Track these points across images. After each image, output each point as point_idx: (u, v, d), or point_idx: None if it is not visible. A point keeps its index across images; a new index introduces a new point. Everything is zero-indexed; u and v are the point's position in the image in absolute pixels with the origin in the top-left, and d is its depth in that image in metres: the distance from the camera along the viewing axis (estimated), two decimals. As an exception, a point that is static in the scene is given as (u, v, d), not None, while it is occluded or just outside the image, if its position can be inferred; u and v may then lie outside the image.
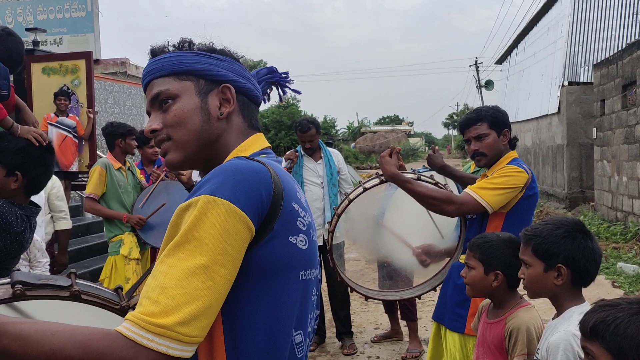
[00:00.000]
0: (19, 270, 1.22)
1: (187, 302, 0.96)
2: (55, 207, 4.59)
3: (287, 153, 5.03)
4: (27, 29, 10.45)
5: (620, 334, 1.30)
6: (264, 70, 1.38)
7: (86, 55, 8.94)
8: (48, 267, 3.75)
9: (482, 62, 40.65)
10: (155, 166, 5.04)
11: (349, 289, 3.21)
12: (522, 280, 1.99)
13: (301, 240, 1.14)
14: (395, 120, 74.33)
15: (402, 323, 5.13)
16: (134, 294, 1.35)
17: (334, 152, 5.12)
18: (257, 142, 1.26)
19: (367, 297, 3.08)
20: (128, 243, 4.44)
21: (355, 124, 47.66)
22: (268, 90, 1.40)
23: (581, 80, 13.91)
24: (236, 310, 1.06)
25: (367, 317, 5.91)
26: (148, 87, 1.25)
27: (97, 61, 11.04)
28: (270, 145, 1.30)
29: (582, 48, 14.29)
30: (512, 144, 2.88)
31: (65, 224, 4.65)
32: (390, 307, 5.06)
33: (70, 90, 8.42)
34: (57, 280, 1.23)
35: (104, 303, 1.26)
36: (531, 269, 1.91)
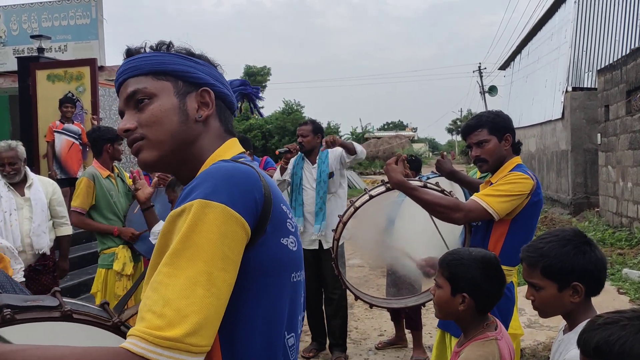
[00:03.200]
0: (1, 292, 1.17)
1: (194, 312, 0.94)
2: (57, 213, 4.55)
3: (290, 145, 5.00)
4: (32, 36, 10.50)
5: (626, 353, 1.27)
6: (237, 82, 1.37)
7: (91, 62, 8.99)
8: (23, 272, 3.64)
9: (485, 68, 40.67)
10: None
11: (354, 297, 3.20)
12: (532, 302, 1.86)
13: (291, 242, 1.13)
14: (399, 125, 74.32)
15: (407, 330, 5.12)
16: (125, 308, 1.31)
17: (332, 151, 4.93)
18: (234, 147, 1.25)
19: (371, 305, 3.07)
20: (122, 257, 4.27)
21: (359, 130, 47.62)
22: (240, 103, 1.39)
23: (585, 86, 13.88)
24: (231, 314, 1.04)
25: (372, 323, 5.89)
26: (122, 85, 1.22)
27: (101, 68, 11.07)
28: (245, 151, 1.28)
29: (586, 53, 14.27)
30: (516, 148, 2.87)
31: (67, 229, 4.60)
32: (396, 314, 5.03)
33: (75, 97, 8.45)
34: (44, 301, 1.18)
35: (96, 321, 1.22)
36: (543, 292, 1.80)
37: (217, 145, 1.22)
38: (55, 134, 7.67)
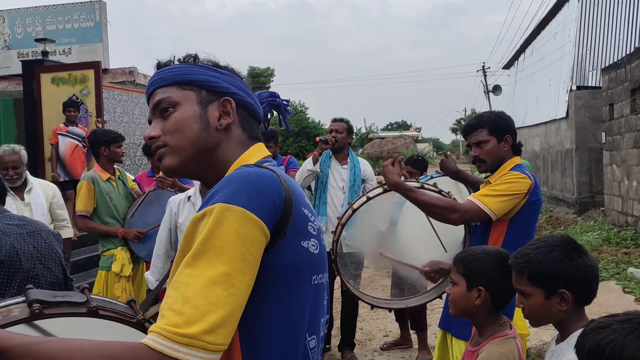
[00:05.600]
0: (32, 288, 1.22)
1: (212, 311, 0.97)
2: (57, 216, 4.55)
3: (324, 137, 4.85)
4: (37, 40, 10.56)
5: (617, 356, 1.27)
6: (266, 94, 1.42)
7: (95, 65, 9.03)
8: None
9: (489, 67, 40.48)
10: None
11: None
12: (522, 309, 1.84)
13: (312, 245, 1.16)
14: (403, 126, 74.29)
15: (412, 331, 5.11)
16: (149, 307, 1.35)
17: (363, 162, 5.02)
18: (259, 151, 1.29)
19: (372, 306, 3.07)
20: (120, 259, 4.29)
21: (363, 130, 47.65)
22: (269, 114, 1.43)
23: (589, 85, 13.84)
24: (252, 316, 1.07)
25: (377, 324, 5.89)
26: (151, 96, 1.28)
27: (105, 70, 11.12)
28: (270, 154, 1.32)
29: (590, 52, 14.23)
30: (517, 149, 2.88)
31: (67, 232, 4.60)
32: (400, 315, 5.03)
33: (79, 100, 8.49)
34: (72, 297, 1.23)
35: (121, 317, 1.26)
36: (531, 299, 1.77)
37: (240, 151, 1.26)
38: (59, 136, 7.70)
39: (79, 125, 7.99)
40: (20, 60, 10.74)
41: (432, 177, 3.57)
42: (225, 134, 1.26)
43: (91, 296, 1.25)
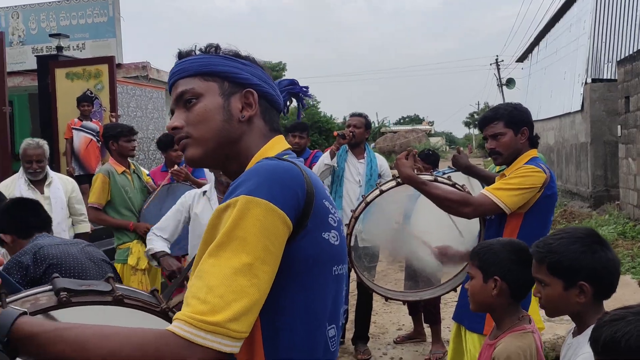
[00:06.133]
0: (58, 277, 1.23)
1: (235, 300, 0.99)
2: (75, 210, 4.60)
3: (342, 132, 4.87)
4: (51, 35, 10.61)
5: (633, 348, 1.26)
6: (286, 82, 1.42)
7: (109, 60, 9.07)
8: None
9: (503, 61, 40.22)
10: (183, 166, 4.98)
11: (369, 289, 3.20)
12: (539, 299, 1.85)
13: (333, 236, 1.17)
14: (416, 119, 73.98)
15: (425, 325, 5.10)
16: (172, 297, 1.37)
17: (379, 157, 5.04)
18: (279, 143, 1.30)
19: (387, 298, 3.07)
20: (136, 252, 4.33)
21: (375, 124, 47.55)
22: (288, 102, 1.43)
23: (605, 77, 13.69)
24: (274, 306, 1.09)
25: (390, 318, 5.89)
26: (173, 86, 1.30)
27: (119, 65, 11.16)
28: (290, 146, 1.33)
29: (605, 45, 14.06)
30: (534, 142, 2.85)
31: (85, 227, 4.65)
32: (414, 308, 5.02)
33: (93, 95, 8.54)
34: (98, 286, 1.25)
35: (145, 306, 1.28)
36: (548, 289, 1.77)
37: (262, 143, 1.28)
38: (73, 131, 7.77)
39: (93, 119, 8.06)
40: (35, 56, 10.83)
41: (444, 173, 3.56)
42: (247, 125, 1.27)
43: (116, 285, 1.27)
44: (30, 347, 0.95)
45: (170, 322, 1.02)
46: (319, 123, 32.83)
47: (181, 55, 1.31)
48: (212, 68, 1.26)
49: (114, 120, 8.08)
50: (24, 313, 0.98)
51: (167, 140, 4.94)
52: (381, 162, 4.99)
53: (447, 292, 3.07)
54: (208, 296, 0.99)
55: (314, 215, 1.13)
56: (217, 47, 1.30)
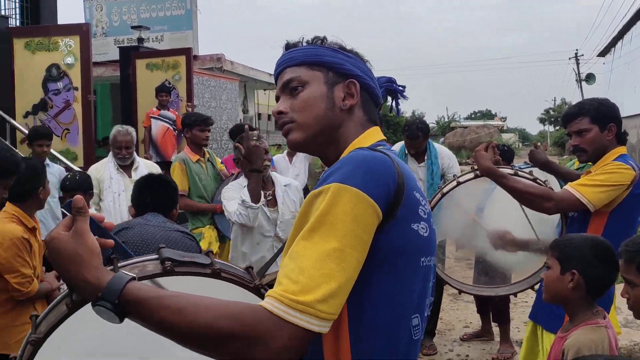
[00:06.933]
0: (164, 247, 1.31)
1: (325, 282, 1.03)
2: None
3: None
4: (133, 27, 11.09)
5: None
6: (384, 79, 1.47)
7: (186, 52, 9.36)
8: None
9: (582, 55, 38.57)
10: None
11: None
12: (627, 300, 1.80)
13: (422, 228, 1.19)
14: (487, 115, 72.22)
15: (494, 324, 5.01)
16: (265, 274, 1.42)
17: (442, 152, 4.88)
18: (375, 134, 1.34)
19: (460, 291, 3.04)
20: (208, 237, 4.48)
21: (445, 119, 46.71)
22: (384, 99, 1.47)
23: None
24: (361, 291, 1.12)
25: (457, 315, 5.81)
26: (280, 75, 1.37)
27: (194, 57, 11.50)
28: (385, 138, 1.37)
29: (698, 38, 13.22)
30: (621, 139, 2.73)
31: None
32: (483, 306, 4.94)
33: (171, 85, 8.84)
34: (199, 258, 1.31)
35: (240, 281, 1.32)
36: (638, 290, 1.73)
37: (359, 132, 1.33)
38: (152, 119, 8.08)
39: (171, 109, 8.34)
40: (118, 47, 11.31)
41: (520, 168, 3.47)
42: (348, 114, 1.32)
43: (214, 259, 1.33)
44: (137, 311, 1.02)
45: (262, 299, 1.06)
46: (387, 117, 32.63)
47: (288, 46, 1.38)
48: (318, 58, 1.33)
49: (190, 110, 8.34)
50: (133, 278, 1.05)
51: (239, 130, 5.08)
52: (444, 159, 4.82)
53: (524, 290, 3.00)
54: (299, 277, 1.03)
55: (404, 206, 1.15)
56: (323, 39, 1.37)
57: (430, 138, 4.93)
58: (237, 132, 5.11)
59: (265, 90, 17.88)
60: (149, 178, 2.88)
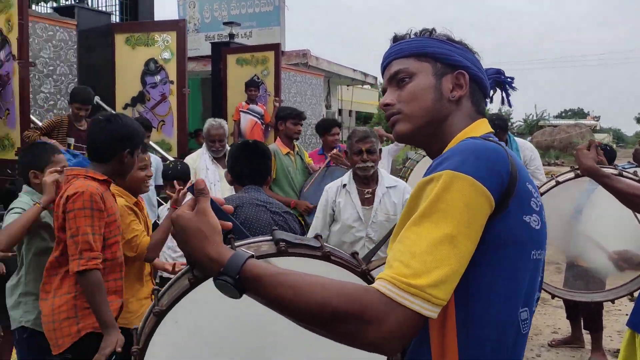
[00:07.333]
0: (277, 229, 1.37)
1: (437, 267, 1.02)
2: None
3: None
4: (225, 23, 11.44)
5: None
6: (492, 70, 1.44)
7: (275, 47, 9.55)
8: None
9: (688, 51, 35.80)
10: (336, 149, 5.19)
11: None
12: None
13: (534, 220, 1.16)
14: (579, 113, 68.76)
15: (584, 331, 4.81)
16: (371, 260, 1.46)
17: (524, 145, 4.80)
18: (483, 126, 1.32)
19: (553, 296, 2.94)
20: None
21: (533, 117, 44.98)
22: (492, 91, 1.44)
23: None
24: (468, 279, 1.11)
25: (544, 320, 5.62)
26: (387, 67, 1.37)
27: (282, 53, 11.71)
28: (493, 131, 1.34)
29: None
30: None
31: None
32: (573, 312, 4.75)
33: (259, 80, 9.06)
34: (310, 241, 1.36)
35: (348, 265, 1.36)
36: None
37: (467, 123, 1.31)
38: (241, 113, 8.34)
39: (259, 103, 8.57)
40: (210, 43, 11.70)
41: (623, 168, 3.31)
42: (456, 105, 1.31)
43: (324, 243, 1.37)
44: (255, 287, 1.06)
45: (368, 283, 1.08)
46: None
47: (396, 38, 1.39)
48: (426, 50, 1.32)
49: (277, 104, 8.54)
50: (252, 256, 1.09)
51: (325, 125, 5.17)
52: (525, 151, 4.70)
53: (622, 297, 2.87)
54: (411, 261, 1.03)
55: (516, 197, 1.13)
56: (432, 31, 1.36)
57: (514, 136, 4.82)
58: (323, 127, 5.19)
59: (348, 86, 17.93)
60: (244, 147, 2.89)
